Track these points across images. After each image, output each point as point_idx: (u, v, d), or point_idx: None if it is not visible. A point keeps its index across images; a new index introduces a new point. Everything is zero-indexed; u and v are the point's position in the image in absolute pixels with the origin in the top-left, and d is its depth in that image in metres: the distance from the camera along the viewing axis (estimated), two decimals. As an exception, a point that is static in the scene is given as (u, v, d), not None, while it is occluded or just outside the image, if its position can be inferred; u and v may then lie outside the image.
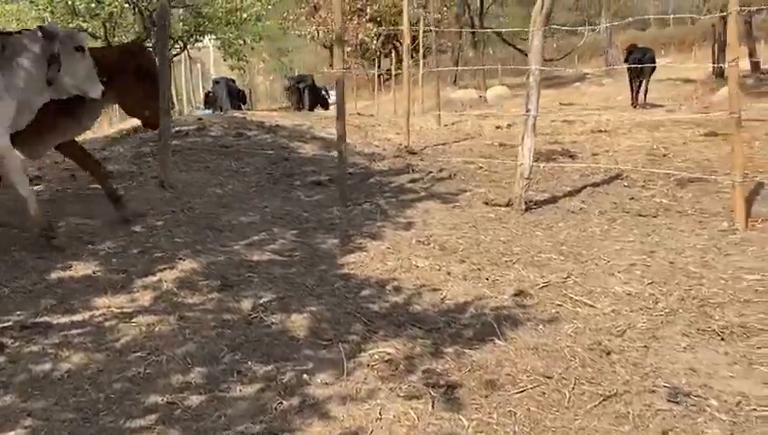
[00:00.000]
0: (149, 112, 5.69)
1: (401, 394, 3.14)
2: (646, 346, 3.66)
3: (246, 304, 4.13)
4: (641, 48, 17.29)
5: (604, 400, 3.13)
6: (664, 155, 8.79)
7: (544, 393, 3.19)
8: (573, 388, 3.23)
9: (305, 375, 3.30)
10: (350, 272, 4.78)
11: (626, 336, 3.79)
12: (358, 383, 3.24)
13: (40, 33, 4.73)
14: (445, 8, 32.97)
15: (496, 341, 3.71)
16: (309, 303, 4.17)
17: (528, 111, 6.56)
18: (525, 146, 6.56)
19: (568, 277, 4.68)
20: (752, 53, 21.84)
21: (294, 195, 7.20)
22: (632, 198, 6.92)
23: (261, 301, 4.17)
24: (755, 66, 21.47)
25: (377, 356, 3.49)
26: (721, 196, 6.69)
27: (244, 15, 21.07)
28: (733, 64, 5.88)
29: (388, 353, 3.51)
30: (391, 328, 3.86)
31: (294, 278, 4.59)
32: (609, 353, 3.59)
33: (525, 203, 6.52)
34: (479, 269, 4.84)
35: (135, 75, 5.36)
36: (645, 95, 16.70)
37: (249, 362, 3.42)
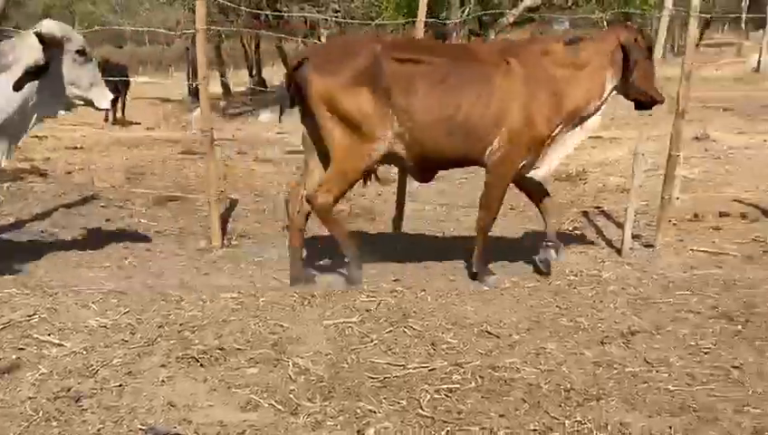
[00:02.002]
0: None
1: None
2: (121, 385, 3.32)
3: None
4: (116, 64, 16.97)
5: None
6: (142, 173, 8.60)
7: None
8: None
9: None
10: None
11: (99, 376, 3.39)
12: None
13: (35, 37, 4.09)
14: None
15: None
16: None
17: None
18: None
19: (33, 314, 4.08)
20: (222, 75, 23.34)
21: None
22: (108, 220, 6.54)
23: None
24: (227, 89, 22.98)
25: None
26: (199, 214, 6.74)
27: None
28: (203, 83, 5.93)
29: None
30: None
31: None
32: (78, 400, 3.15)
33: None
34: None
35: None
36: (123, 111, 16.47)
37: None
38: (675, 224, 6.33)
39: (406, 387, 3.40)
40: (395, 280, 5.06)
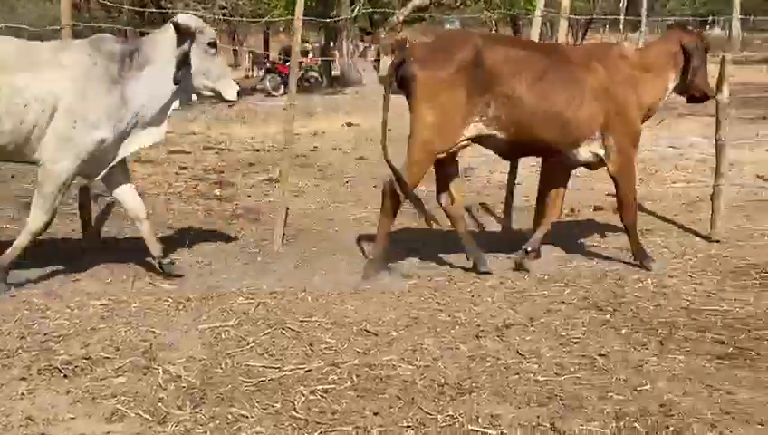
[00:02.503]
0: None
1: None
2: (-25, 400, 3.13)
3: None
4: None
5: None
6: None
7: None
8: None
9: None
10: None
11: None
12: None
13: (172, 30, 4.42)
14: None
15: None
16: None
17: None
18: None
19: None
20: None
21: None
22: None
23: None
24: None
25: None
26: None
27: None
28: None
29: None
30: None
31: None
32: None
33: None
34: None
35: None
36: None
37: None
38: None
39: (281, 389, 3.35)
40: (277, 281, 4.97)
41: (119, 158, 4.72)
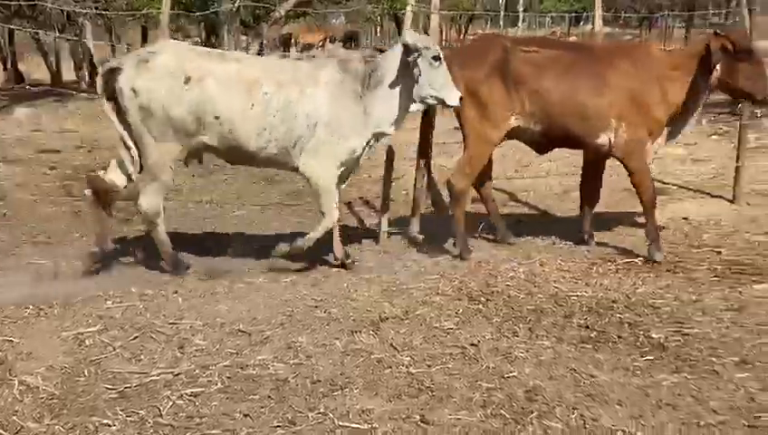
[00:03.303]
0: None
1: None
2: None
3: None
4: None
5: None
6: None
7: None
8: None
9: None
10: None
11: None
12: None
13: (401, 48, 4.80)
14: None
15: None
16: None
17: None
18: None
19: None
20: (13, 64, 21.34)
21: None
22: None
23: None
24: (19, 77, 20.96)
25: None
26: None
27: None
28: None
29: None
30: None
31: None
32: None
33: None
34: None
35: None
36: None
37: None
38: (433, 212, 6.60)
39: (147, 395, 3.25)
40: (147, 282, 4.80)
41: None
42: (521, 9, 16.79)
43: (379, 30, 40.23)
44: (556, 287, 4.74)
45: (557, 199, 7.34)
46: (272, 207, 7.15)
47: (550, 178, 7.87)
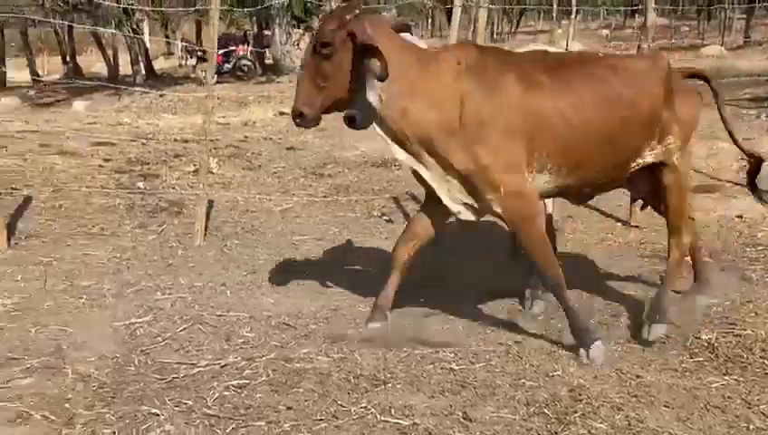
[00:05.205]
0: None
1: None
2: None
3: None
4: None
5: None
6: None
7: None
8: None
9: None
10: None
11: None
12: None
13: None
14: None
15: None
16: None
17: None
18: None
19: None
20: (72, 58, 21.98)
21: None
22: None
23: None
24: (78, 71, 21.61)
25: None
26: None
27: None
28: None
29: None
30: None
31: None
32: None
33: None
34: None
35: None
36: None
37: None
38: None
39: (194, 386, 3.30)
40: (197, 275, 4.90)
41: None
42: (574, 1, 16.45)
43: (430, 22, 40.08)
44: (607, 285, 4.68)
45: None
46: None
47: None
